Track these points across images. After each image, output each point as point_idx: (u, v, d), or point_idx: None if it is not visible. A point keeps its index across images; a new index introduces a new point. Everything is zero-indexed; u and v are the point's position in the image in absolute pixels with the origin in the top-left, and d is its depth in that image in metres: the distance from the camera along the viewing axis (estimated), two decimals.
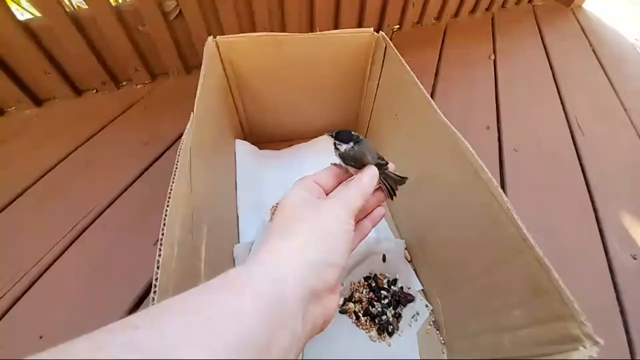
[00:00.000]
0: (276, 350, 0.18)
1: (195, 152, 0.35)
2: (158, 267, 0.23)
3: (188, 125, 0.35)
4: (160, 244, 0.24)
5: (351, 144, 0.30)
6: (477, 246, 0.34)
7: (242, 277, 0.20)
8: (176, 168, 0.30)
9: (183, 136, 0.33)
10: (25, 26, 0.67)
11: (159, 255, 0.24)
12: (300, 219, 0.24)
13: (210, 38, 0.48)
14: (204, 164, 0.39)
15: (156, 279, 0.23)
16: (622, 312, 0.48)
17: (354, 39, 0.53)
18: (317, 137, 0.68)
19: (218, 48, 0.50)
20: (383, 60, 0.51)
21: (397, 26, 1.03)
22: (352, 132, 0.31)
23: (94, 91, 0.81)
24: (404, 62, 0.44)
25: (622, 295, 0.50)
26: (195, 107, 0.37)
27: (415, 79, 0.42)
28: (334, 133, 0.31)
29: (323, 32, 0.52)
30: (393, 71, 0.49)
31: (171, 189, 0.28)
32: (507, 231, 0.29)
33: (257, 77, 0.56)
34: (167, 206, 0.27)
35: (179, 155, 0.31)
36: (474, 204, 0.34)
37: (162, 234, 0.25)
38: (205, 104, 0.42)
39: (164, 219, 0.26)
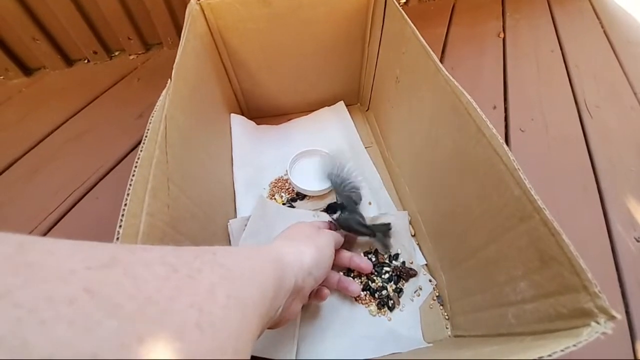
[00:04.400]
0: (268, 317, 0.22)
1: (174, 121, 0.33)
2: (117, 239, 0.21)
3: (163, 92, 0.32)
4: (122, 215, 0.22)
5: (338, 212, 0.42)
6: (480, 213, 0.32)
7: (265, 250, 0.26)
8: (146, 136, 0.28)
9: (157, 103, 0.31)
10: None
11: (119, 226, 0.22)
12: (302, 234, 0.32)
13: (193, 0, 0.45)
14: (186, 135, 0.37)
15: None
16: (623, 294, 0.48)
17: None
18: (317, 109, 0.65)
19: (203, 11, 0.46)
20: (384, 18, 0.48)
21: (404, 1, 0.99)
22: (337, 202, 0.43)
23: (85, 61, 0.78)
24: (404, 14, 0.41)
25: (623, 276, 0.49)
26: (173, 74, 0.34)
27: (416, 31, 0.39)
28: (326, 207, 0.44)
29: None
30: (394, 28, 0.46)
31: (138, 158, 0.26)
32: (512, 194, 0.27)
33: (247, 44, 0.52)
34: (133, 176, 0.25)
35: (150, 123, 0.29)
36: (477, 166, 0.32)
37: (125, 205, 0.23)
38: (188, 73, 0.39)
39: (128, 189, 0.24)
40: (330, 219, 0.43)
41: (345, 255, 0.39)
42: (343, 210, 0.42)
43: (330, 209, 0.42)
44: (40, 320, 0.10)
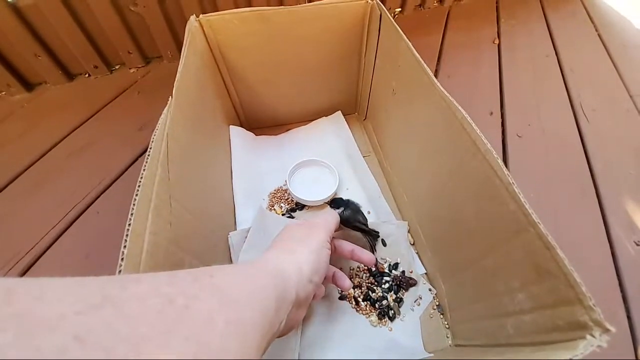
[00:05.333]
0: (271, 333, 0.22)
1: (175, 138, 0.33)
2: (122, 259, 0.22)
3: (165, 110, 0.33)
4: (127, 235, 0.23)
5: (342, 208, 0.43)
6: (477, 225, 0.33)
7: (264, 266, 0.26)
8: (148, 155, 0.28)
9: (159, 122, 0.31)
10: (14, 7, 0.65)
11: (124, 246, 0.22)
12: (297, 240, 0.31)
13: (192, 17, 0.45)
14: (187, 151, 0.37)
15: (119, 272, 0.22)
16: (624, 299, 0.48)
17: (347, 9, 0.50)
18: (315, 119, 0.66)
19: (202, 27, 0.47)
20: (379, 31, 0.48)
21: (399, 9, 1.00)
22: (343, 198, 0.46)
23: (86, 75, 0.79)
24: (398, 29, 0.42)
25: (624, 281, 0.49)
26: (174, 91, 0.35)
27: (410, 45, 0.40)
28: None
29: (312, 2, 0.48)
30: (389, 42, 0.47)
31: (141, 177, 0.26)
32: (507, 207, 0.27)
33: (246, 58, 0.53)
34: (136, 195, 0.25)
35: (152, 142, 0.29)
36: (473, 179, 0.32)
37: (129, 225, 0.23)
38: (188, 89, 0.39)
39: (132, 209, 0.24)
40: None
41: (347, 247, 0.39)
42: (347, 207, 0.44)
43: (334, 203, 0.45)
44: None
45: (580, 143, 0.69)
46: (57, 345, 0.11)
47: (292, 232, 0.33)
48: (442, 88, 0.35)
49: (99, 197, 0.57)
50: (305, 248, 0.30)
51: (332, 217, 0.38)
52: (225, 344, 0.15)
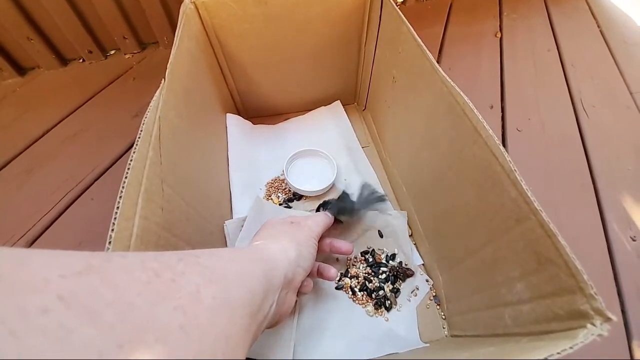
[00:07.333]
0: (262, 315, 0.21)
1: (168, 122, 0.32)
2: (110, 243, 0.21)
3: (157, 93, 0.32)
4: (114, 219, 0.22)
5: (330, 204, 0.43)
6: (477, 214, 0.32)
7: (250, 250, 0.26)
8: (139, 138, 0.27)
9: (150, 104, 0.30)
10: None
11: (112, 230, 0.22)
12: (281, 232, 0.32)
13: None
14: (181, 136, 0.36)
15: None
16: (620, 293, 0.48)
17: None
18: (314, 109, 0.65)
19: (197, 10, 0.46)
20: (380, 17, 0.47)
21: (401, 0, 0.99)
22: (326, 200, 0.44)
23: (80, 60, 0.77)
24: (400, 13, 0.41)
25: (619, 276, 0.49)
26: (167, 74, 0.34)
27: (412, 30, 0.39)
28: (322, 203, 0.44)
29: None
30: (390, 27, 0.46)
31: (131, 160, 0.26)
32: (509, 195, 0.27)
33: (243, 43, 0.52)
34: (125, 178, 0.24)
35: (143, 124, 0.29)
36: (474, 166, 0.31)
37: (117, 208, 0.23)
38: (182, 73, 0.38)
39: (121, 192, 0.24)
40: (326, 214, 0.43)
41: (325, 242, 0.39)
42: (335, 203, 0.43)
43: (323, 206, 0.43)
44: (10, 331, 0.09)
45: (580, 139, 0.69)
46: (41, 305, 0.10)
47: (277, 226, 0.34)
48: (443, 73, 0.34)
49: (93, 183, 0.56)
50: (291, 239, 0.31)
51: (322, 218, 0.38)
52: (212, 317, 0.15)
